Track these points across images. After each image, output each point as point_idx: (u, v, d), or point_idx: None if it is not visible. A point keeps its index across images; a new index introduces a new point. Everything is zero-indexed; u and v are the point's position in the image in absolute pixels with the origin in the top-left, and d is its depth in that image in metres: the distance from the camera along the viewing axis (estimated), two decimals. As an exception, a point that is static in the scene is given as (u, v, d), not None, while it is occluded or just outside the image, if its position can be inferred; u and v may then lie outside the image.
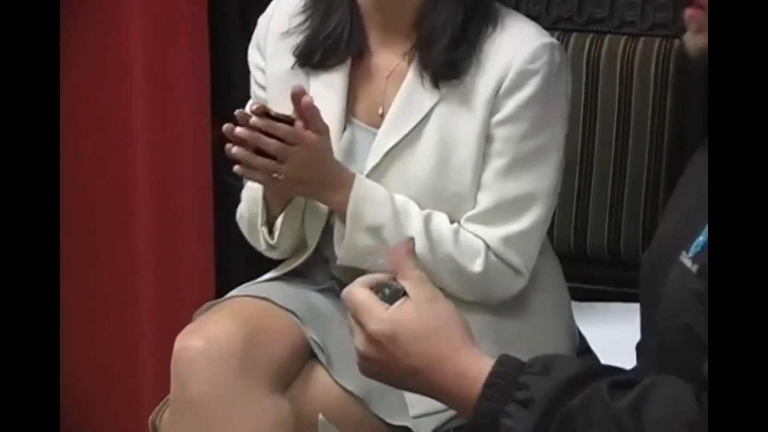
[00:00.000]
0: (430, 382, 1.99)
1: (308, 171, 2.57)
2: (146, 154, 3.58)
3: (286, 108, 2.56)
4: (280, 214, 2.69)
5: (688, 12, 2.04)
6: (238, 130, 2.50)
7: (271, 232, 2.71)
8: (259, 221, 2.70)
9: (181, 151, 3.56)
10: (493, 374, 1.96)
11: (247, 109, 2.57)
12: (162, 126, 3.55)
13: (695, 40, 2.05)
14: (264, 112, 2.51)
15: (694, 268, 1.98)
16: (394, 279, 2.04)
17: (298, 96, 2.53)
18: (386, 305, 2.01)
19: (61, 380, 3.47)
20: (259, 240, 2.72)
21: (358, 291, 2.03)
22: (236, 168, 2.55)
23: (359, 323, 2.02)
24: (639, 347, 2.23)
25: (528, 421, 1.91)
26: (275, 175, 2.54)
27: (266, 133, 2.52)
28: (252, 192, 2.73)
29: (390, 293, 2.03)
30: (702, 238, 1.99)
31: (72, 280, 3.60)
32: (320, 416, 2.12)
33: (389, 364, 2.01)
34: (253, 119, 2.50)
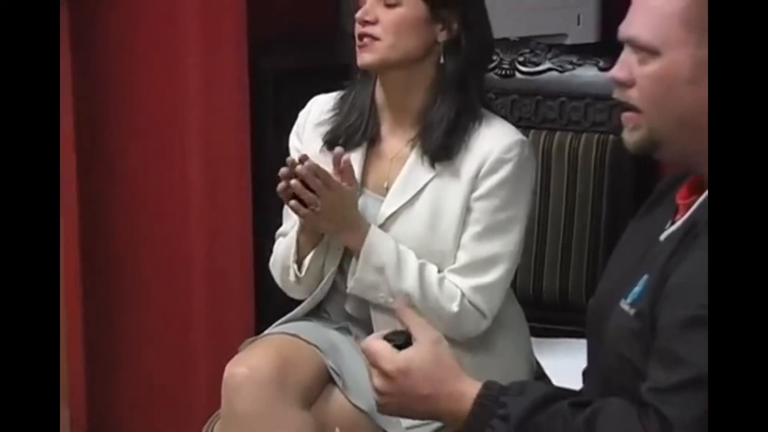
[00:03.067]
0: (437, 406, 2.02)
1: (336, 212, 2.58)
2: (202, 226, 3.56)
3: None
4: (308, 254, 2.67)
5: (625, 115, 2.03)
6: (299, 168, 2.53)
7: (299, 268, 2.68)
8: (292, 258, 2.68)
9: (228, 219, 3.54)
10: (480, 396, 1.98)
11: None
12: (213, 203, 3.53)
13: (631, 136, 2.04)
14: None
15: (632, 311, 1.99)
16: (399, 331, 2.06)
17: (338, 156, 2.58)
18: (396, 350, 2.03)
19: (128, 397, 3.54)
20: (289, 275, 2.70)
21: (373, 342, 2.06)
22: (292, 203, 2.56)
23: (376, 366, 2.03)
24: (585, 373, 2.21)
25: (508, 431, 1.93)
26: (313, 207, 2.54)
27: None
28: (285, 241, 2.73)
29: (400, 341, 2.05)
30: (637, 289, 1.99)
31: (143, 320, 3.61)
32: (337, 430, 2.10)
33: (403, 396, 2.03)
34: (310, 163, 2.53)
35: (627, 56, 2.02)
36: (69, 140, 3.37)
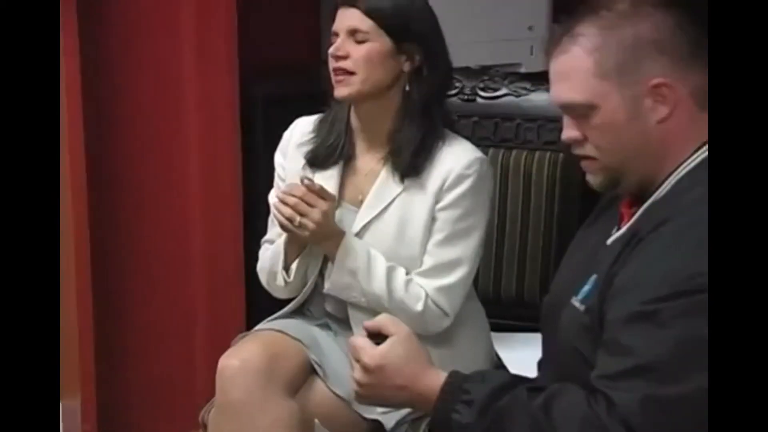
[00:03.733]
0: (409, 395, 2.03)
1: (318, 225, 2.58)
2: (200, 236, 3.58)
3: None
4: (294, 261, 2.69)
5: (584, 163, 2.05)
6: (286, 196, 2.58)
7: (287, 273, 2.70)
8: (280, 265, 2.69)
9: (223, 229, 3.56)
10: (446, 384, 1.99)
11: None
12: (209, 215, 3.55)
13: (595, 179, 2.07)
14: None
15: (582, 307, 2.00)
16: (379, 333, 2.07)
17: (310, 184, 2.59)
18: (377, 346, 2.04)
19: (135, 386, 3.53)
20: (277, 280, 2.72)
21: (357, 339, 2.07)
22: (284, 222, 2.59)
23: (358, 360, 2.04)
24: (540, 363, 2.22)
25: (470, 415, 1.94)
26: (300, 220, 2.56)
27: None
28: (271, 248, 2.74)
29: (382, 339, 2.07)
30: (587, 287, 2.01)
31: (149, 319, 3.62)
32: (316, 421, 2.12)
33: (379, 387, 2.04)
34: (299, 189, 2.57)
35: (569, 119, 2.04)
36: (80, 162, 3.37)
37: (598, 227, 2.15)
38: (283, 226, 2.61)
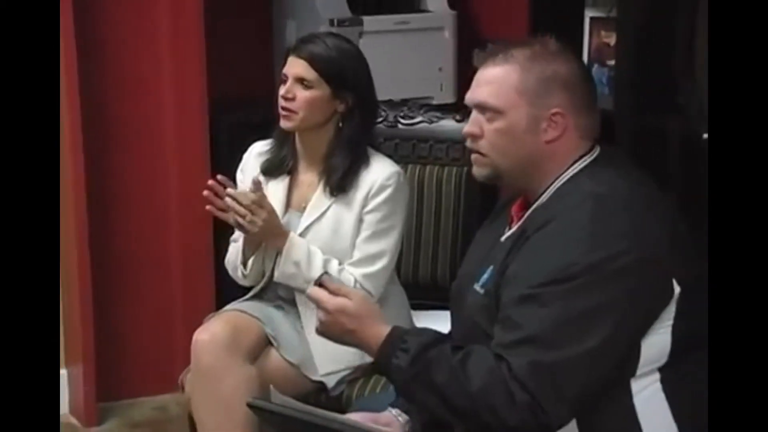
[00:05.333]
0: (359, 338, 2.00)
1: (267, 225, 2.57)
2: (178, 237, 3.57)
3: None
4: (251, 257, 2.66)
5: (474, 157, 2.04)
6: (230, 202, 2.56)
7: (245, 267, 2.68)
8: (239, 260, 2.68)
9: (197, 231, 3.52)
10: (389, 334, 1.97)
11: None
12: (185, 221, 3.52)
13: (480, 172, 2.05)
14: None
15: (482, 291, 2.00)
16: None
17: (257, 182, 2.59)
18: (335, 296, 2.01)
19: (128, 354, 3.50)
20: (238, 273, 2.70)
21: (314, 290, 2.03)
22: (237, 218, 2.56)
23: (321, 305, 2.00)
24: (448, 334, 2.17)
25: (405, 360, 1.91)
26: (250, 218, 2.54)
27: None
28: (235, 246, 2.71)
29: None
30: (486, 276, 2.00)
31: (138, 304, 3.61)
32: (271, 387, 2.09)
33: (336, 325, 2.00)
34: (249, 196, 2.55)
35: (476, 116, 2.01)
36: (81, 180, 3.35)
37: (494, 227, 2.14)
38: (238, 225, 2.59)
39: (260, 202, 2.56)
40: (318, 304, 2.00)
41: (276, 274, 2.65)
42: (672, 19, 3.06)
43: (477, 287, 2.02)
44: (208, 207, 2.58)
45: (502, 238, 2.04)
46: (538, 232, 1.92)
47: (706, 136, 2.67)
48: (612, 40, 3.39)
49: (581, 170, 1.98)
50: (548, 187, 1.99)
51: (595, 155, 2.00)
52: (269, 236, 2.61)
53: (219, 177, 2.58)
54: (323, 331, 2.02)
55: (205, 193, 2.57)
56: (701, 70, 2.95)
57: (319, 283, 2.03)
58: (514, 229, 2.03)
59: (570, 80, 1.97)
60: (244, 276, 2.70)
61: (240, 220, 2.56)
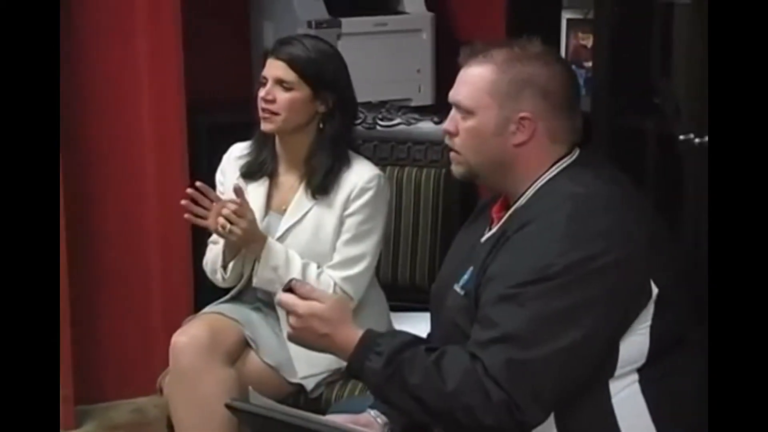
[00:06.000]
0: (331, 342, 1.97)
1: (244, 232, 2.55)
2: (157, 242, 3.56)
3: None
4: (231, 261, 2.66)
5: (451, 155, 2.06)
6: (228, 207, 2.54)
7: (225, 270, 2.68)
8: (219, 264, 2.67)
9: (175, 234, 3.51)
10: (363, 337, 1.96)
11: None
12: (165, 224, 3.51)
13: (456, 170, 2.07)
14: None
15: (462, 292, 2.00)
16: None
17: (238, 189, 2.57)
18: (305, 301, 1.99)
19: (107, 358, 3.50)
20: (217, 276, 2.69)
21: (283, 295, 2.00)
22: (219, 230, 2.55)
23: (291, 310, 1.97)
24: (428, 335, 2.20)
25: (378, 362, 1.90)
26: (230, 228, 2.53)
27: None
28: (214, 249, 2.70)
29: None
30: (466, 277, 2.01)
31: (119, 307, 3.60)
32: (250, 388, 2.08)
33: (307, 331, 1.98)
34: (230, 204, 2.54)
35: (454, 114, 2.03)
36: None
37: (474, 228, 2.14)
38: (218, 232, 2.58)
39: (240, 210, 2.55)
40: (288, 309, 1.99)
41: (254, 279, 2.64)
42: (648, 20, 3.07)
43: (457, 288, 2.02)
44: (186, 215, 2.58)
45: (482, 239, 2.05)
46: (518, 233, 1.93)
47: (682, 137, 2.67)
48: (589, 41, 3.40)
49: (560, 172, 1.99)
50: (528, 189, 2.00)
51: (574, 157, 2.01)
52: (249, 242, 2.60)
53: (198, 184, 2.57)
54: (295, 336, 2.00)
55: (183, 202, 2.56)
56: (678, 71, 2.96)
57: (289, 287, 2.01)
58: (494, 230, 2.04)
59: (544, 84, 1.97)
60: (224, 279, 2.70)
61: (220, 230, 2.55)
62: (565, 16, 3.57)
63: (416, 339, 1.99)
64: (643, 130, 3.05)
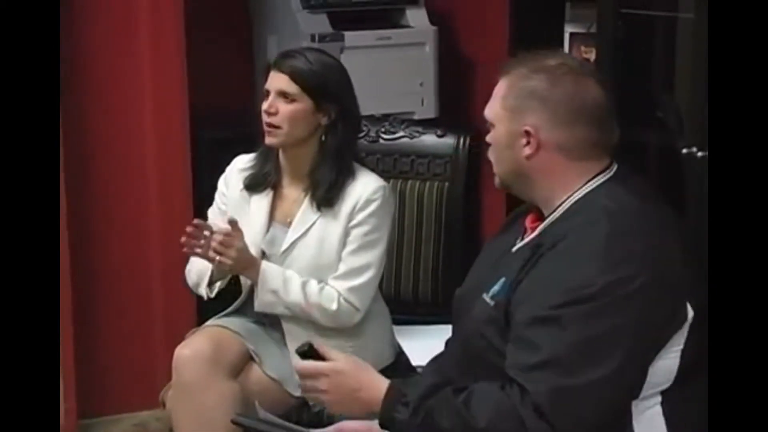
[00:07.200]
0: (367, 396, 1.96)
1: (234, 260, 2.55)
2: (160, 254, 3.55)
3: (240, 213, 2.64)
4: (217, 283, 2.65)
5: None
6: (208, 234, 2.54)
7: (210, 289, 2.66)
8: (206, 282, 2.65)
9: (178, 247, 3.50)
10: (389, 389, 1.95)
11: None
12: (167, 237, 3.46)
13: (495, 179, 2.06)
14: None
15: (492, 302, 1.97)
16: (302, 345, 2.03)
17: (233, 222, 2.56)
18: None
19: (109, 371, 3.50)
20: (200, 290, 2.67)
21: (300, 364, 2.01)
22: (210, 256, 2.55)
23: (317, 375, 1.97)
24: (447, 341, 2.18)
25: (406, 413, 1.90)
26: (219, 258, 2.53)
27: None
28: (196, 263, 2.67)
29: (310, 353, 2.03)
30: (496, 287, 1.97)
31: (121, 320, 3.59)
32: (256, 403, 2.07)
33: (341, 388, 1.97)
34: (216, 235, 2.53)
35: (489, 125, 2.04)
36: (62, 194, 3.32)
37: (504, 238, 2.11)
38: (212, 263, 2.58)
39: (228, 241, 2.54)
40: (312, 374, 1.98)
41: (255, 304, 2.64)
42: (651, 34, 3.07)
43: (486, 297, 1.99)
44: (184, 249, 2.57)
45: (514, 249, 2.03)
46: (552, 250, 1.91)
47: (685, 150, 2.67)
48: (592, 55, 3.40)
49: (597, 187, 1.97)
50: (563, 202, 1.98)
51: (612, 173, 1.99)
52: (242, 270, 2.60)
53: (196, 221, 2.58)
54: (332, 400, 1.99)
55: (183, 239, 2.56)
56: (680, 84, 2.96)
57: (302, 353, 2.01)
58: (527, 240, 2.01)
59: (546, 96, 1.95)
60: (207, 297, 2.69)
61: (209, 258, 2.55)
62: (568, 29, 3.57)
63: (441, 383, 1.95)
64: (645, 144, 3.05)
